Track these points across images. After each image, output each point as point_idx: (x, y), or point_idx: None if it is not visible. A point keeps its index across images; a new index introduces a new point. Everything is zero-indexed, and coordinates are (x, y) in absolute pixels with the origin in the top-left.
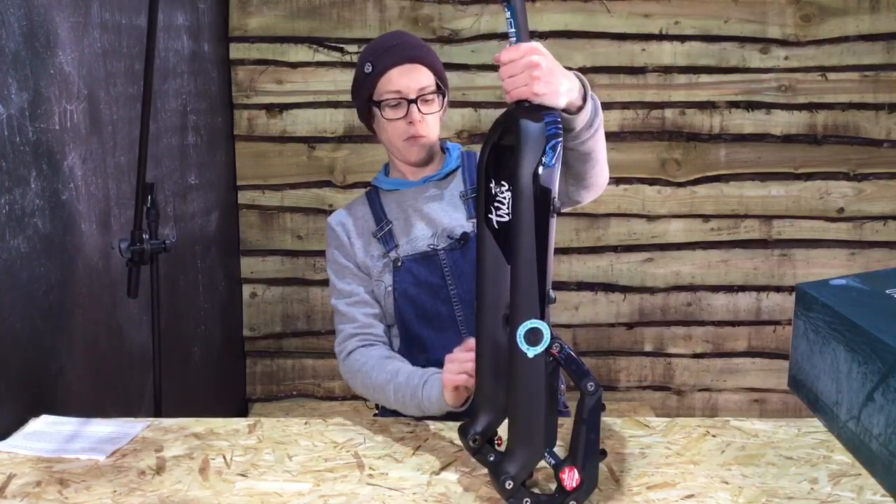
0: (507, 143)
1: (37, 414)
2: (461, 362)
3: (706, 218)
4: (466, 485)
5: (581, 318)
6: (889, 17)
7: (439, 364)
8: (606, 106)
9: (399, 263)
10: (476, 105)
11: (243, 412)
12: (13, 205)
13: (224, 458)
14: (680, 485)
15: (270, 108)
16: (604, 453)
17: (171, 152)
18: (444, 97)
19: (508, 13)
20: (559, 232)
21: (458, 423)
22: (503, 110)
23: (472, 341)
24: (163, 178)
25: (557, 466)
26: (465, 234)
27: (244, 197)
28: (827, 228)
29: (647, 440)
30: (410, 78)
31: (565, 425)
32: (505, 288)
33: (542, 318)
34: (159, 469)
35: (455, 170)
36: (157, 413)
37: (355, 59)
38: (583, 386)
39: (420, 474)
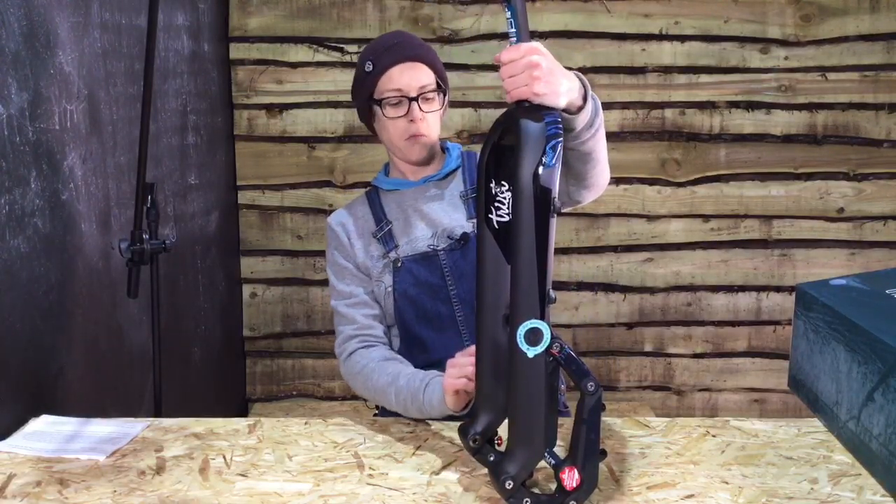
0: (507, 143)
1: (37, 414)
2: (461, 367)
3: (706, 218)
4: (466, 485)
5: (581, 318)
6: (889, 17)
7: (439, 364)
8: (606, 106)
9: (399, 264)
10: (476, 105)
11: (243, 412)
12: (13, 205)
13: (224, 458)
14: (680, 485)
15: (270, 108)
16: (604, 453)
17: (171, 152)
18: (444, 96)
19: (509, 13)
20: (559, 232)
21: (459, 423)
22: (503, 110)
23: (473, 347)
24: (163, 178)
25: (557, 466)
26: (465, 234)
27: (244, 197)
28: (827, 228)
29: (647, 440)
30: (411, 76)
31: (565, 425)
32: (505, 288)
33: (543, 318)
34: (159, 469)
35: (455, 170)
36: (157, 413)
37: (355, 59)
38: (583, 386)
39: (420, 474)
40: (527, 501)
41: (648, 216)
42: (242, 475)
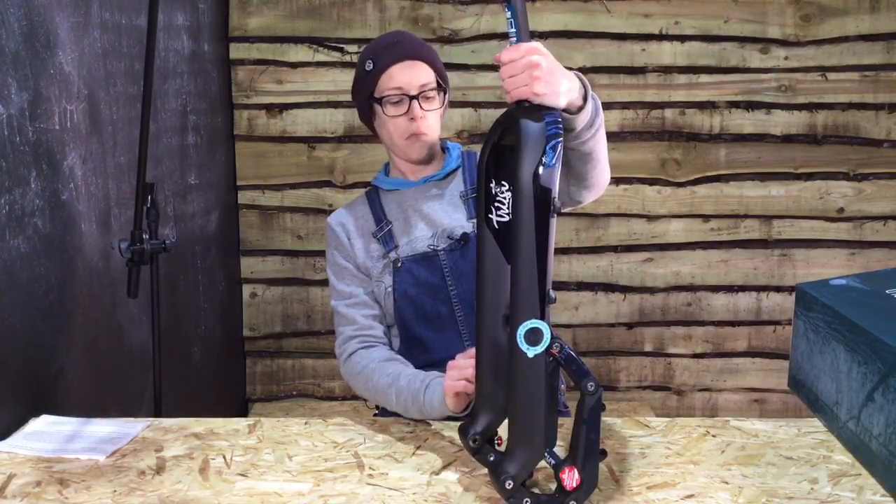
0: (507, 143)
1: (37, 414)
2: (461, 369)
3: (706, 218)
4: (466, 485)
5: (581, 318)
6: (889, 17)
7: (439, 364)
8: (606, 106)
9: (399, 264)
10: (476, 105)
11: (243, 412)
12: (13, 205)
13: (224, 458)
14: (680, 485)
15: (270, 108)
16: (604, 453)
17: (171, 152)
18: (444, 95)
19: (509, 13)
20: (559, 232)
21: (459, 423)
22: (503, 110)
23: (473, 350)
24: (163, 178)
25: (557, 466)
26: (465, 234)
27: (244, 197)
28: (827, 228)
29: (647, 440)
30: (411, 74)
31: (565, 425)
32: (505, 288)
33: (543, 318)
34: (159, 469)
35: (455, 170)
36: (157, 413)
37: (355, 59)
38: (583, 386)
39: (420, 474)
40: (527, 501)
41: (648, 216)
42: (242, 475)
